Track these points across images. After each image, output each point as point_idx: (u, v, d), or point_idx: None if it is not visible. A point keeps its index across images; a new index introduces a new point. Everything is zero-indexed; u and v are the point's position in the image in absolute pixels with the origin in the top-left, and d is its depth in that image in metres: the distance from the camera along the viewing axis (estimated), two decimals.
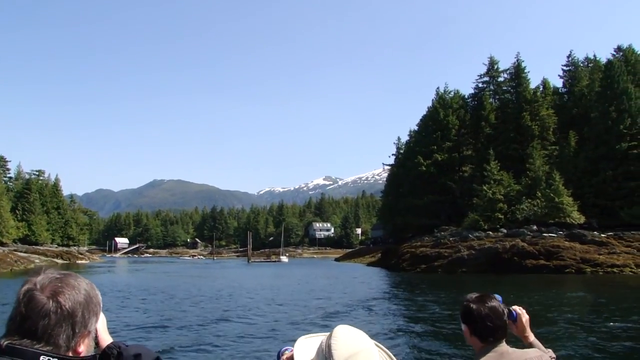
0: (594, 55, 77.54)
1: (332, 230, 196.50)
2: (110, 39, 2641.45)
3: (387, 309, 25.01)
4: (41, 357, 1.41)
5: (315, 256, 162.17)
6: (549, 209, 54.54)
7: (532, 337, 3.09)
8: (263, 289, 37.63)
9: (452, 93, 75.86)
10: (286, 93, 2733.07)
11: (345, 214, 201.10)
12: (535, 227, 53.87)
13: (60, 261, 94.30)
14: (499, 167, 62.26)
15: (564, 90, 77.31)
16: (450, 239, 57.65)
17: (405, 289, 37.19)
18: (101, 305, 1.63)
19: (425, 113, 78.86)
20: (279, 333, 17.49)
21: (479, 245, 53.39)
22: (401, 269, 57.26)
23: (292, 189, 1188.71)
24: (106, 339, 1.74)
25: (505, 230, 55.94)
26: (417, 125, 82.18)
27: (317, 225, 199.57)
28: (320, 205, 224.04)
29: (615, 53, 77.18)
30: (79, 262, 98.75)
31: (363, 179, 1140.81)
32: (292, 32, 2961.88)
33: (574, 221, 53.70)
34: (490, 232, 56.50)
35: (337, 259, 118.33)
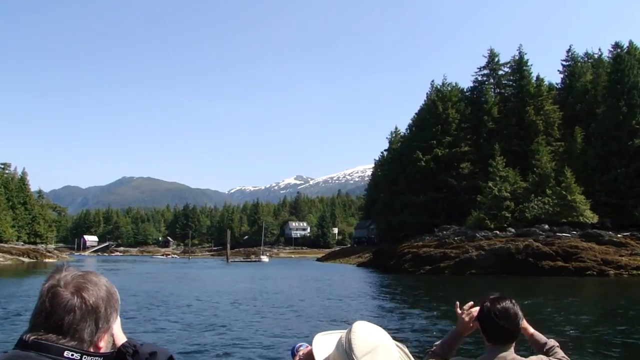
0: (599, 50, 75.21)
1: (309, 230, 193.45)
2: (76, 28, 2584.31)
3: (423, 318, 21.26)
4: (65, 352, 1.44)
5: (292, 256, 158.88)
6: (561, 208, 51.57)
7: (531, 330, 3.08)
8: (273, 294, 33.48)
9: (450, 86, 72.62)
10: (256, 90, 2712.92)
11: (321, 213, 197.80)
12: (547, 227, 50.85)
13: (26, 259, 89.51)
14: (504, 163, 59.17)
15: (561, 85, 74.90)
16: (455, 238, 54.30)
17: (423, 294, 33.55)
18: (119, 303, 1.65)
19: (421, 107, 75.77)
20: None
21: (489, 245, 50.18)
22: (403, 270, 53.62)
23: (263, 188, 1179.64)
24: (121, 338, 1.77)
25: (513, 230, 52.87)
26: (411, 120, 78.90)
27: (294, 224, 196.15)
28: (296, 204, 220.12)
29: (612, 49, 75.25)
30: (47, 260, 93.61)
31: (334, 178, 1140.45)
32: (263, 23, 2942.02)
33: (587, 220, 50.89)
34: (498, 232, 53.36)
35: (319, 259, 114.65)
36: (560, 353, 3.00)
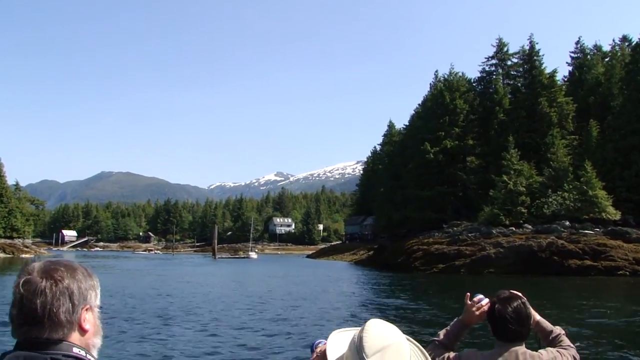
0: (613, 40, 73.13)
1: (293, 226, 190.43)
2: (51, 13, 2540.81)
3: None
4: (73, 349, 1.47)
5: (279, 252, 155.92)
6: (582, 203, 48.70)
7: (537, 317, 3.05)
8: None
9: (457, 76, 69.35)
10: (237, 85, 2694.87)
11: (306, 209, 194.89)
12: (567, 223, 47.93)
13: (2, 255, 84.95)
14: (518, 157, 56.23)
15: (568, 78, 72.47)
16: (469, 235, 51.19)
17: (448, 293, 30.26)
18: (98, 283, 1.64)
19: (425, 97, 72.69)
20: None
21: (507, 242, 47.04)
22: (413, 268, 50.33)
23: (243, 184, 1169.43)
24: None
25: (530, 226, 49.94)
26: (414, 111, 75.85)
27: (278, 220, 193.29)
28: (280, 200, 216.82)
29: (620, 42, 73.20)
30: (24, 256, 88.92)
31: (315, 175, 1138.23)
32: (244, 15, 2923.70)
33: (609, 217, 48.10)
34: (514, 228, 50.39)
35: (309, 256, 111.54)
36: (566, 341, 2.99)
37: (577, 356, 2.97)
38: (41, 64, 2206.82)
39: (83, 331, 1.52)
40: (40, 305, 1.45)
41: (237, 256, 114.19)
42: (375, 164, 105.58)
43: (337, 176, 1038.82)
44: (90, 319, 1.55)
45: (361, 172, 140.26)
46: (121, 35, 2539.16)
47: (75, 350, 1.46)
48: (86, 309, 1.54)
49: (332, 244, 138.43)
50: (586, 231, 46.10)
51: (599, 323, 18.36)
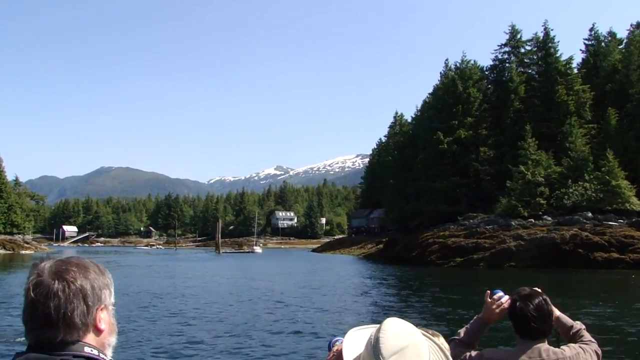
0: (631, 25, 70.89)
1: (296, 220, 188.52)
2: (53, 8, 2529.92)
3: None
4: (85, 348, 1.43)
5: (282, 246, 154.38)
6: (604, 194, 47.03)
7: (557, 312, 3.04)
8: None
9: (469, 64, 67.32)
10: (235, 77, 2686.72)
11: (308, 202, 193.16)
12: (590, 214, 46.26)
13: (2, 251, 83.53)
14: (536, 146, 54.47)
15: (581, 65, 70.59)
16: (486, 227, 49.47)
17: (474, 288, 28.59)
18: (112, 280, 1.59)
19: (435, 86, 70.74)
20: None
21: (528, 234, 45.35)
22: (429, 262, 48.71)
23: (243, 178, 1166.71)
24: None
25: (550, 218, 48.23)
26: (426, 100, 73.93)
27: (280, 214, 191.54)
28: (282, 194, 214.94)
29: (634, 29, 71.41)
30: (24, 252, 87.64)
31: (315, 169, 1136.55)
32: (240, 6, 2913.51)
33: (633, 208, 46.47)
34: (533, 220, 48.70)
35: (314, 250, 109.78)
36: (587, 336, 2.97)
37: (599, 351, 2.91)
38: (40, 58, 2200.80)
39: (99, 331, 1.47)
40: (54, 309, 1.40)
41: (241, 251, 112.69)
42: (381, 155, 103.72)
43: (337, 170, 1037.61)
44: (105, 319, 1.50)
45: (362, 165, 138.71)
46: (120, 29, 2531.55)
47: (87, 349, 1.41)
48: (101, 309, 1.49)
49: (336, 237, 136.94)
50: (610, 222, 44.48)
51: (625, 317, 17.64)
